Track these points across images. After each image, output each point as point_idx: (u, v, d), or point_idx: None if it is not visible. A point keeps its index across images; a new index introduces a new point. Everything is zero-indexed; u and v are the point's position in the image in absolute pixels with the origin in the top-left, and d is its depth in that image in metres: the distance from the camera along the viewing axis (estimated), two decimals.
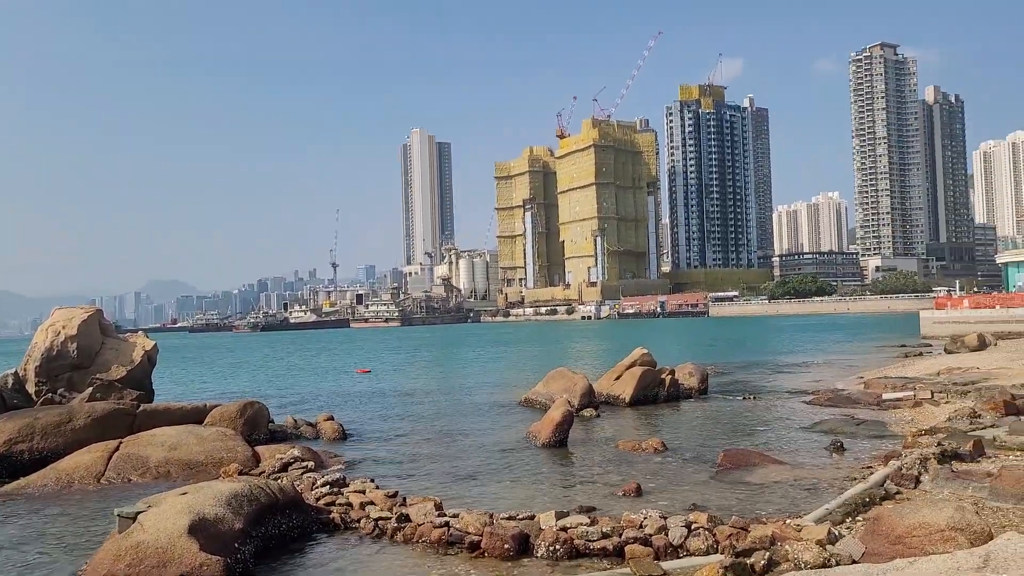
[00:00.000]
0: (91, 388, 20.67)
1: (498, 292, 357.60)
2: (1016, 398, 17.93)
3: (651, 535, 9.67)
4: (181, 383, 44.93)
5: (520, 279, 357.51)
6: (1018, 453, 12.95)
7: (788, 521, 9.30)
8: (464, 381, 41.47)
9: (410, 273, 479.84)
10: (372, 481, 13.33)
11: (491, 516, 10.78)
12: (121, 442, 16.08)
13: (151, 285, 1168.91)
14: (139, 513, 9.51)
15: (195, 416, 19.28)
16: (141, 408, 19.11)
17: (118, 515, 9.59)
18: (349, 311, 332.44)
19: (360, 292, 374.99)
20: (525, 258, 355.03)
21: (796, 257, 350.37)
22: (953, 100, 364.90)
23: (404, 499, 12.10)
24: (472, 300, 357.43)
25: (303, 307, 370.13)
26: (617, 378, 27.08)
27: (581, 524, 10.09)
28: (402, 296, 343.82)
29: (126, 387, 21.31)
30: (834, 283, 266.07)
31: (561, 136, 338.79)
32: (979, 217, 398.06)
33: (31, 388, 21.06)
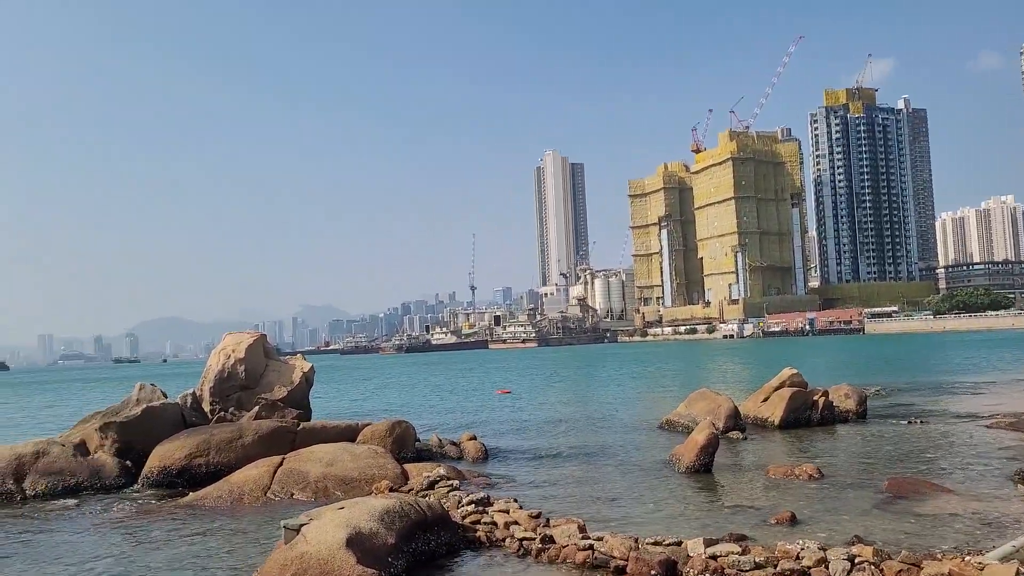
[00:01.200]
0: (257, 407, 22.27)
1: (635, 311, 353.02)
2: None
3: (809, 568, 9.11)
4: (334, 402, 47.45)
5: (657, 298, 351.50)
6: None
7: (968, 558, 8.47)
8: (603, 401, 41.12)
9: (546, 294, 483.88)
10: (515, 501, 13.44)
11: (636, 540, 10.57)
12: (284, 458, 17.19)
13: (305, 310, 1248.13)
14: (302, 525, 10.10)
15: (348, 434, 20.29)
16: (301, 426, 20.38)
17: (284, 527, 10.23)
18: (487, 332, 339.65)
19: (498, 314, 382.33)
20: (662, 276, 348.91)
21: (965, 268, 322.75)
22: None
23: (547, 520, 12.10)
24: (608, 320, 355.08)
25: (444, 329, 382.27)
26: (764, 399, 25.91)
27: (732, 553, 9.67)
28: (538, 317, 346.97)
29: (287, 406, 22.79)
30: (1011, 296, 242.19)
31: (696, 151, 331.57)
32: None
33: (206, 407, 22.94)
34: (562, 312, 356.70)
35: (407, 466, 17.48)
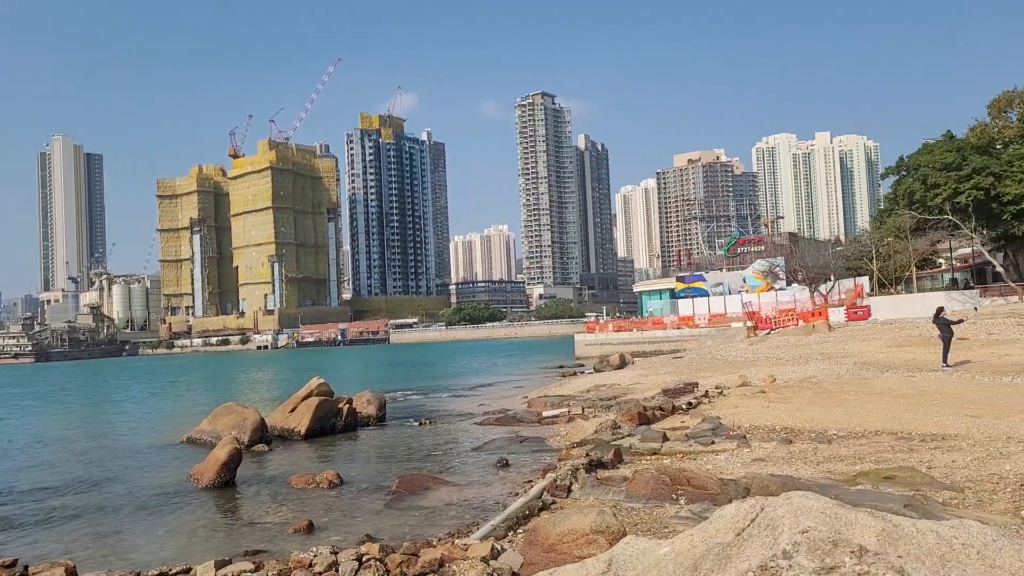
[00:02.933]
0: None
1: (160, 322, 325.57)
2: (647, 409, 20.77)
3: (322, 572, 9.27)
4: None
5: (187, 307, 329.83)
6: (649, 458, 14.93)
7: (456, 541, 9.58)
8: (114, 421, 36.78)
9: (49, 301, 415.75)
10: None
11: (138, 575, 9.53)
12: None
13: None
14: None
15: None
16: None
17: None
18: None
19: None
20: (193, 285, 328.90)
21: (471, 285, 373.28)
22: (600, 147, 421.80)
23: (26, 567, 10.17)
24: (128, 331, 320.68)
25: None
26: (292, 410, 26.05)
27: (244, 571, 9.33)
28: (37, 327, 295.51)
29: None
30: (505, 309, 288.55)
31: (234, 156, 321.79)
32: (621, 251, 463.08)
33: None
34: (70, 322, 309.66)
35: None
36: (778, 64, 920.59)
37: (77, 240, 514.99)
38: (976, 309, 47.14)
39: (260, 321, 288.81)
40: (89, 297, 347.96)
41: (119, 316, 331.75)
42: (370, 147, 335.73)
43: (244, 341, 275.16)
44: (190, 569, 9.64)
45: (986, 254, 60.73)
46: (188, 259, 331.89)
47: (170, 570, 9.65)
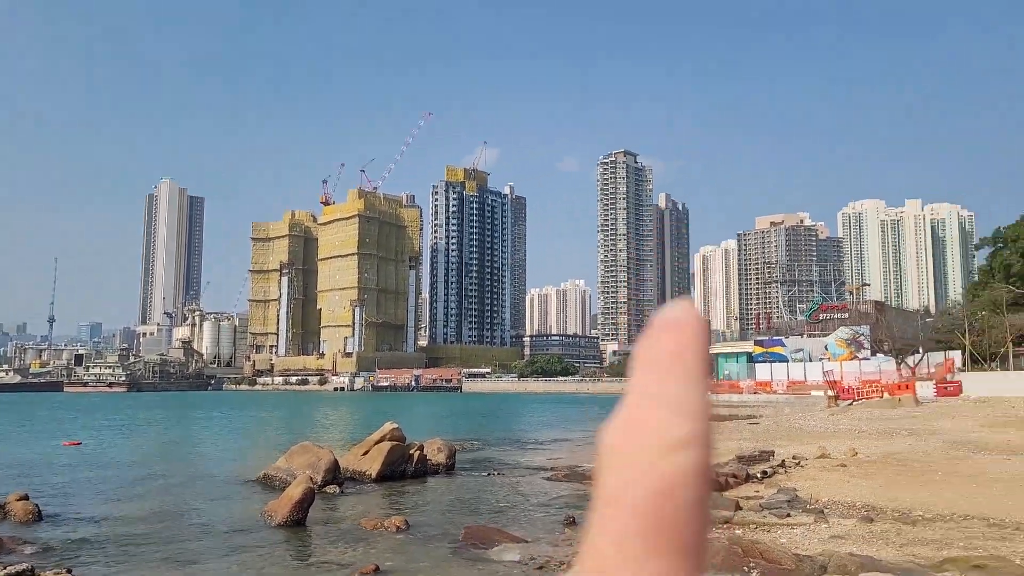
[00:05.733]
0: None
1: (245, 359, 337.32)
2: (719, 476, 20.22)
3: None
4: None
5: (271, 346, 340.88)
6: (720, 526, 14.51)
7: None
8: (196, 454, 38.12)
9: (144, 334, 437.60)
10: (69, 572, 11.63)
11: None
12: None
13: None
14: None
15: None
16: None
17: None
18: (65, 373, 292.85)
19: (80, 352, 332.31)
20: (279, 324, 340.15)
21: (545, 338, 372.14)
22: (680, 207, 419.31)
23: None
24: (215, 366, 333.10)
25: (5, 366, 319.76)
26: (365, 453, 26.50)
27: None
28: (132, 359, 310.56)
29: None
30: (577, 364, 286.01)
31: (326, 203, 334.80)
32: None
33: None
34: (162, 355, 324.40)
35: None
36: (867, 128, 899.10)
37: (175, 277, 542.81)
38: None
39: (338, 363, 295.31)
40: (182, 332, 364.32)
41: (208, 351, 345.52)
42: (454, 199, 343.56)
43: (322, 382, 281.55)
44: None
45: None
46: (275, 300, 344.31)
47: None
